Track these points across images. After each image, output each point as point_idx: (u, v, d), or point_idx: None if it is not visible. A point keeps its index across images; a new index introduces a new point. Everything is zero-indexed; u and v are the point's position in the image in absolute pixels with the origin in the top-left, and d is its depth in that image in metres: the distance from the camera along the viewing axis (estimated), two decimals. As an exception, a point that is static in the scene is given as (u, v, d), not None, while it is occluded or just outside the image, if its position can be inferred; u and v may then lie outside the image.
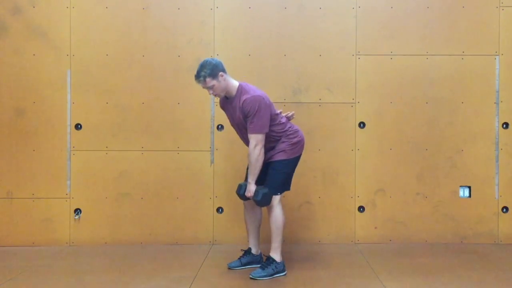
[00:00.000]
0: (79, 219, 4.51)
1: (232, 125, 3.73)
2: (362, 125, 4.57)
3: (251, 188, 3.55)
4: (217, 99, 4.50)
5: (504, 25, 4.55)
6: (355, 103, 4.57)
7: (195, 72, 3.52)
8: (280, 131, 3.61)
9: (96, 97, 4.52)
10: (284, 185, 3.65)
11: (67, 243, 4.51)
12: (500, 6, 4.55)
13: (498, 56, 4.55)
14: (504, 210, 4.55)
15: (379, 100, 4.57)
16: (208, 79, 3.47)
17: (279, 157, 3.60)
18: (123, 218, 4.52)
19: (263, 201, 3.52)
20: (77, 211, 4.51)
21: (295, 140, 3.64)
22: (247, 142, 3.61)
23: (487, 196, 4.55)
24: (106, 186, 4.51)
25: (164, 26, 4.54)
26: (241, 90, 3.53)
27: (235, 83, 3.57)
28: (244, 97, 3.47)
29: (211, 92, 3.54)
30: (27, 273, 3.67)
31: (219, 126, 4.53)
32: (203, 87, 3.56)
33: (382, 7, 4.57)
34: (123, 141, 4.52)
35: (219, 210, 4.55)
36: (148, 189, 4.52)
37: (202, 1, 4.55)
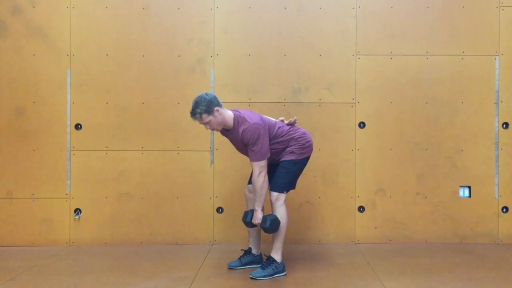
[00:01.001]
0: (79, 219, 4.51)
1: (235, 147, 3.74)
2: (362, 125, 4.57)
3: (258, 215, 3.56)
4: (217, 99, 4.50)
5: (504, 25, 4.55)
6: (355, 103, 4.57)
7: (190, 109, 3.47)
8: (286, 138, 3.62)
9: (96, 97, 4.52)
10: (291, 184, 3.67)
11: (67, 243, 4.51)
12: (500, 6, 4.56)
13: (498, 56, 4.55)
14: (504, 210, 4.55)
15: (379, 100, 4.57)
16: (204, 116, 3.44)
17: (288, 157, 3.62)
18: (123, 218, 4.52)
19: (271, 227, 3.51)
20: (77, 211, 4.51)
21: (303, 142, 3.66)
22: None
23: (487, 196, 4.55)
24: (106, 186, 4.51)
25: (164, 26, 4.54)
26: (237, 120, 3.52)
27: (230, 115, 3.54)
28: (242, 128, 3.48)
29: (208, 127, 3.52)
30: (27, 273, 3.67)
31: (219, 126, 4.53)
32: (200, 123, 3.52)
33: (382, 7, 4.57)
34: (123, 141, 4.52)
35: (219, 210, 4.55)
36: (148, 189, 4.52)
37: (202, 1, 4.55)
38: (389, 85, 4.57)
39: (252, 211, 3.63)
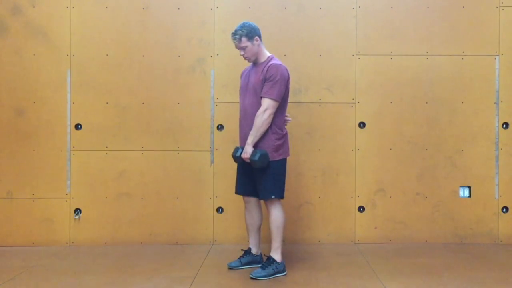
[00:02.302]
0: (79, 219, 4.51)
1: (241, 90, 3.73)
2: (362, 125, 4.57)
3: (248, 149, 3.51)
4: (218, 99, 4.50)
5: (504, 25, 4.55)
6: (355, 103, 4.57)
7: (232, 30, 3.63)
8: (277, 122, 3.58)
9: (96, 97, 4.52)
10: (276, 187, 3.56)
11: (67, 243, 4.51)
12: (500, 6, 4.56)
13: (498, 56, 4.55)
14: (504, 210, 4.55)
15: (379, 100, 4.57)
16: (243, 39, 3.59)
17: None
18: (123, 218, 4.52)
19: (260, 161, 3.45)
20: (77, 211, 4.51)
21: (278, 143, 3.58)
22: (245, 112, 3.61)
23: (487, 196, 4.55)
24: (106, 186, 4.51)
25: (164, 26, 4.54)
26: (271, 58, 3.65)
27: (267, 53, 3.70)
28: (271, 63, 3.57)
29: (242, 53, 3.64)
30: (27, 273, 3.67)
31: (219, 126, 4.53)
32: (236, 47, 3.65)
33: (382, 7, 4.57)
34: (123, 141, 4.52)
35: (219, 210, 4.55)
36: (148, 189, 4.52)
37: (202, 1, 4.55)
38: (389, 85, 4.57)
39: (243, 148, 3.59)
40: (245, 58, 3.67)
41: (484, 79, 4.56)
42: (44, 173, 4.49)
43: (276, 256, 3.59)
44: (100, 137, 4.51)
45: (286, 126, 3.75)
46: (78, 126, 4.51)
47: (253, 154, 3.49)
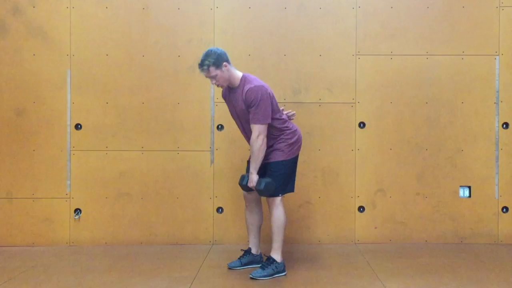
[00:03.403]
0: (79, 219, 4.51)
1: (233, 116, 3.72)
2: (362, 125, 4.57)
3: (254, 178, 3.52)
4: (218, 99, 4.50)
5: (504, 25, 4.55)
6: (355, 103, 4.57)
7: (199, 61, 3.53)
8: (280, 127, 3.59)
9: (96, 97, 4.52)
10: (284, 186, 3.62)
11: (67, 243, 4.51)
12: (500, 6, 4.56)
13: (498, 56, 4.55)
14: (504, 210, 4.55)
15: (379, 100, 4.57)
16: (211, 68, 3.48)
17: (277, 157, 3.58)
18: (123, 218, 4.52)
19: (265, 190, 3.49)
20: (77, 211, 4.51)
21: (293, 140, 3.63)
22: (247, 136, 3.61)
23: (487, 196, 4.55)
24: (106, 186, 4.51)
25: (164, 26, 4.54)
26: (244, 80, 3.55)
27: (238, 74, 3.58)
28: (247, 87, 3.47)
29: (213, 82, 3.55)
30: (27, 273, 3.67)
31: (219, 126, 4.53)
32: (206, 76, 3.56)
33: (382, 7, 4.57)
34: (123, 141, 4.52)
35: (219, 210, 4.55)
36: (148, 189, 4.52)
37: (202, 1, 4.55)
38: (389, 85, 4.57)
39: (248, 175, 3.60)
40: (217, 85, 3.60)
41: (484, 79, 4.56)
42: (44, 173, 4.49)
43: (276, 256, 3.59)
44: (100, 137, 4.51)
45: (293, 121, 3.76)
46: (78, 126, 4.51)
47: (258, 183, 3.52)
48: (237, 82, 3.56)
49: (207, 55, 3.50)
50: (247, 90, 3.46)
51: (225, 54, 3.54)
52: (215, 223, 4.54)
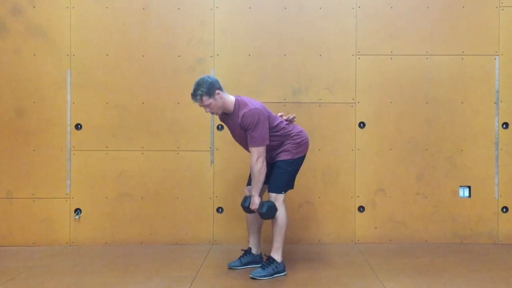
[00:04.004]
0: (79, 219, 4.51)
1: (233, 137, 3.73)
2: (362, 125, 4.57)
3: (255, 201, 3.54)
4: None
5: (504, 25, 4.55)
6: (355, 103, 4.57)
7: (191, 91, 3.49)
8: (283, 134, 3.62)
9: (96, 97, 4.52)
10: (288, 184, 3.66)
11: (67, 243, 4.51)
12: (500, 6, 4.56)
13: (498, 56, 4.55)
14: (504, 210, 4.55)
15: (379, 100, 4.57)
16: (204, 98, 3.45)
17: (284, 156, 3.62)
18: (123, 218, 4.52)
19: (268, 213, 3.51)
20: (77, 211, 4.51)
21: (299, 140, 3.65)
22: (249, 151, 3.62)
23: (487, 196, 4.55)
24: (106, 186, 4.51)
25: (164, 26, 4.54)
26: (238, 104, 3.52)
27: (231, 99, 3.55)
28: (242, 112, 3.46)
29: (208, 110, 3.52)
30: (27, 273, 3.67)
31: (219, 126, 4.53)
32: (200, 106, 3.53)
33: (382, 7, 4.57)
34: (123, 141, 4.52)
35: (219, 210, 4.55)
36: (148, 189, 4.52)
37: (202, 1, 4.55)
38: (389, 85, 4.57)
39: (250, 197, 3.61)
40: (212, 113, 3.58)
41: (484, 79, 4.56)
42: (44, 173, 4.49)
43: (277, 256, 3.59)
44: (100, 137, 4.51)
45: (295, 123, 3.77)
46: (78, 126, 4.51)
47: (260, 206, 3.52)
48: (231, 107, 3.54)
49: (199, 84, 3.46)
50: (243, 115, 3.45)
51: (217, 81, 3.50)
52: (215, 223, 4.54)
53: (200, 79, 3.49)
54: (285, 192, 3.62)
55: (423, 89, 4.56)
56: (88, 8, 4.53)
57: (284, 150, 3.62)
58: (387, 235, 4.56)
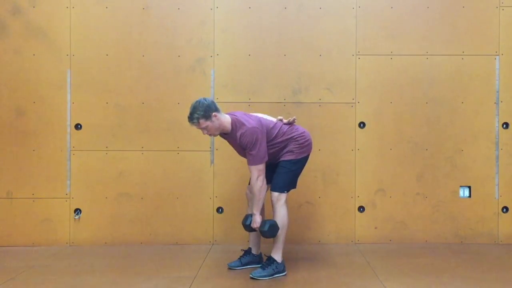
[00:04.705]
0: (79, 219, 4.51)
1: (234, 149, 3.74)
2: (362, 125, 4.57)
3: (257, 219, 3.54)
4: (218, 99, 4.50)
5: (504, 25, 4.55)
6: (355, 103, 4.57)
7: (188, 114, 3.47)
8: (285, 138, 3.62)
9: (96, 97, 4.52)
10: (291, 184, 3.66)
11: (67, 243, 4.51)
12: (500, 6, 4.56)
13: (498, 56, 4.55)
14: (504, 210, 4.55)
15: (379, 100, 4.57)
16: (201, 121, 3.44)
17: (288, 157, 3.62)
18: (123, 218, 4.52)
19: (269, 231, 3.51)
20: (77, 211, 4.51)
21: (302, 141, 3.65)
22: None
23: (487, 196, 4.55)
24: (106, 186, 4.51)
25: (164, 26, 4.54)
26: (235, 124, 3.52)
27: (228, 119, 3.53)
28: (240, 132, 3.47)
29: (205, 132, 3.52)
30: (27, 273, 3.67)
31: (219, 126, 4.53)
32: (197, 128, 3.52)
33: (382, 7, 4.57)
34: (123, 141, 4.52)
35: (219, 210, 4.55)
36: (148, 189, 4.52)
37: (202, 1, 4.55)
38: (389, 85, 4.57)
39: (252, 215, 3.61)
40: (210, 135, 3.58)
41: (484, 79, 4.56)
42: (44, 173, 4.49)
43: (277, 256, 3.59)
44: (100, 137, 4.51)
45: (296, 123, 3.77)
46: (78, 126, 4.51)
47: (262, 224, 3.53)
48: (228, 128, 3.53)
49: (196, 107, 3.44)
50: (241, 135, 3.46)
51: (213, 103, 3.49)
52: (215, 223, 4.54)
53: (196, 102, 3.47)
54: (287, 191, 3.62)
55: (423, 89, 4.56)
56: (88, 8, 4.53)
57: (288, 151, 3.63)
58: (387, 235, 4.56)
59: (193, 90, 4.53)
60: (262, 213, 3.64)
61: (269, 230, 3.50)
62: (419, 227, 4.55)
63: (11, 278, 3.55)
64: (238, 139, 3.49)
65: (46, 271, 3.72)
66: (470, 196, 4.55)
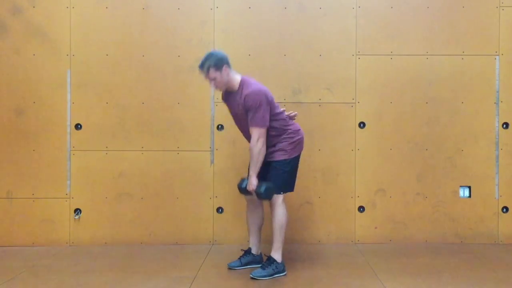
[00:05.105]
0: (79, 219, 4.51)
1: (234, 118, 3.72)
2: (362, 125, 4.57)
3: (253, 181, 3.52)
4: (218, 99, 4.50)
5: (504, 25, 4.55)
6: (355, 103, 4.57)
7: (199, 62, 3.54)
8: (281, 127, 3.60)
9: (96, 97, 4.52)
10: (286, 185, 3.63)
11: (67, 243, 4.51)
12: (500, 6, 4.56)
13: (498, 56, 4.55)
14: (504, 210, 4.55)
15: (379, 100, 4.57)
16: (211, 70, 3.49)
17: (279, 157, 3.60)
18: (123, 218, 4.52)
19: (265, 194, 3.48)
20: (77, 211, 4.51)
21: (296, 139, 3.65)
22: (248, 136, 3.61)
23: (487, 196, 4.55)
24: (106, 186, 4.51)
25: (164, 26, 4.54)
26: (243, 84, 3.54)
27: (237, 78, 3.58)
28: (246, 92, 3.48)
29: (212, 84, 3.56)
30: (27, 273, 3.67)
31: (219, 126, 4.53)
32: (205, 78, 3.57)
33: (382, 7, 4.57)
34: (123, 141, 4.52)
35: (219, 210, 4.55)
36: (148, 189, 4.52)
37: (202, 1, 4.55)
38: (389, 85, 4.57)
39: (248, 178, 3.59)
40: (216, 88, 3.61)
41: (484, 79, 4.56)
42: (44, 173, 4.49)
43: (277, 256, 3.59)
44: (100, 137, 4.51)
45: (295, 121, 3.76)
46: (78, 126, 4.51)
47: (258, 186, 3.51)
48: (236, 85, 3.56)
49: (208, 56, 3.51)
50: (246, 95, 3.46)
51: (226, 57, 3.55)
52: (215, 223, 4.54)
53: (210, 52, 3.56)
54: (283, 193, 3.61)
55: (423, 89, 4.56)
56: (88, 8, 4.53)
57: (280, 149, 3.60)
58: (387, 235, 4.56)
59: (193, 90, 4.53)
60: (258, 177, 3.57)
61: (265, 192, 3.46)
62: (419, 227, 4.55)
63: (11, 278, 3.55)
64: (243, 99, 3.47)
65: (46, 271, 3.72)
66: (470, 196, 4.55)
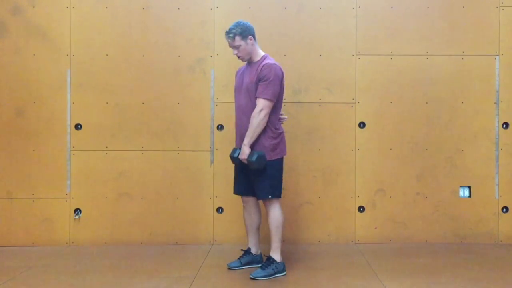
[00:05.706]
0: (79, 219, 4.51)
1: (237, 91, 3.71)
2: (362, 125, 4.57)
3: (246, 150, 3.50)
4: (217, 99, 4.51)
5: (504, 25, 4.55)
6: (355, 103, 4.57)
7: (226, 29, 3.62)
8: (271, 120, 3.56)
9: (96, 97, 4.52)
10: (273, 188, 3.56)
11: (67, 243, 4.51)
12: (500, 6, 4.56)
13: (498, 56, 4.55)
14: (504, 210, 4.55)
15: (379, 100, 4.57)
16: (237, 38, 3.57)
17: (258, 149, 3.53)
18: (123, 218, 4.52)
19: (257, 162, 3.44)
20: (77, 211, 4.51)
21: (276, 141, 3.58)
22: (243, 110, 3.58)
23: (487, 196, 4.55)
24: (106, 186, 4.51)
25: (164, 26, 4.54)
26: (264, 58, 3.64)
27: (261, 52, 3.69)
28: (264, 63, 3.55)
29: (235, 52, 3.62)
30: (27, 273, 3.67)
31: (219, 126, 4.53)
32: (230, 46, 3.64)
33: (382, 7, 4.57)
34: (123, 141, 4.52)
35: (219, 210, 4.55)
36: (148, 189, 4.52)
37: (202, 1, 4.56)
38: (389, 85, 4.57)
39: (240, 148, 3.58)
40: (238, 57, 3.66)
41: (484, 79, 4.56)
42: (44, 173, 4.49)
43: (276, 256, 3.59)
44: (100, 137, 4.51)
45: (282, 125, 3.75)
46: (78, 126, 4.51)
47: (250, 155, 3.49)
48: (257, 58, 3.65)
49: (236, 24, 3.61)
50: (265, 64, 3.54)
51: (253, 29, 3.65)
52: (215, 223, 4.54)
53: (238, 20, 3.65)
54: (273, 197, 3.56)
55: (423, 89, 4.56)
56: (88, 8, 4.53)
57: (261, 144, 3.53)
58: (387, 235, 4.56)
59: (193, 90, 4.53)
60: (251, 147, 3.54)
61: (257, 160, 3.44)
62: (419, 227, 4.55)
63: (11, 278, 3.55)
64: (260, 68, 3.52)
65: (46, 271, 3.73)
66: (470, 196, 4.55)
